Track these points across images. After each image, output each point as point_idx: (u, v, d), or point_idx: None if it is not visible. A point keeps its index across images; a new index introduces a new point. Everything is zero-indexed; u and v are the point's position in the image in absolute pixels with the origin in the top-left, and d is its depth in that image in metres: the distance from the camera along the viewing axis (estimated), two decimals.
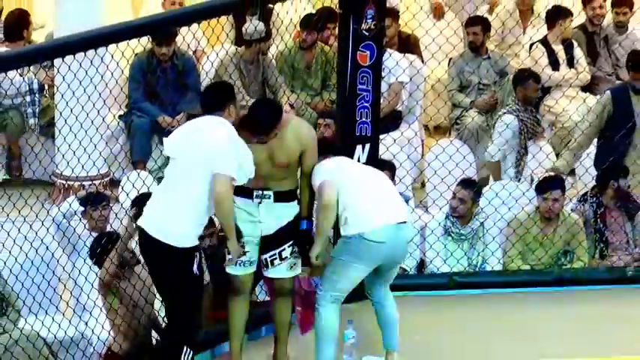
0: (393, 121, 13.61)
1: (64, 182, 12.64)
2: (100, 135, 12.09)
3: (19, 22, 13.83)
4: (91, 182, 12.38)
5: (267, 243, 9.68)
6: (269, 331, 10.51)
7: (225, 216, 9.31)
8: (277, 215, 9.62)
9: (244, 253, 9.57)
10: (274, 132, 9.42)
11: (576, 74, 14.38)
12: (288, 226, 9.66)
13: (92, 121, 11.52)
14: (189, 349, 9.56)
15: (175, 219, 9.18)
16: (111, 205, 11.52)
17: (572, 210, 12.38)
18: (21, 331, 10.32)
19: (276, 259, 9.70)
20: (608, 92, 13.07)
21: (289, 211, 9.69)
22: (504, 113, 13.60)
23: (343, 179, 9.77)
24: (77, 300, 11.01)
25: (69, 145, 11.67)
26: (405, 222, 9.74)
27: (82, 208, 11.42)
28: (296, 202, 9.78)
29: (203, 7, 11.41)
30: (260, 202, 9.56)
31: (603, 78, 14.55)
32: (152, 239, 9.28)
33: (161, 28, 12.73)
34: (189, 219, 9.20)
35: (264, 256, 9.73)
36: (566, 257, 12.04)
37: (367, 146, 11.17)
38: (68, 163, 12.29)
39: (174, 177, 9.27)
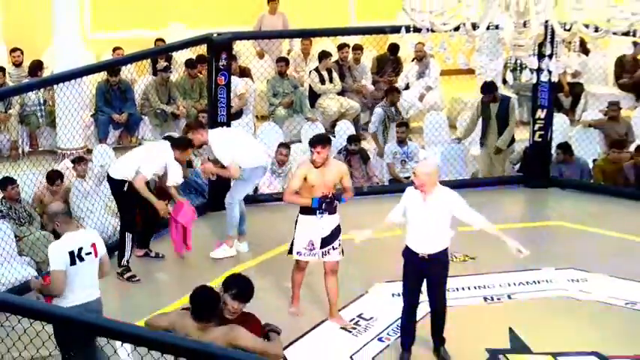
0: (238, 114, 13.48)
1: (62, 151, 12.42)
2: (80, 125, 12.05)
3: (37, 66, 13.56)
4: (76, 151, 12.22)
5: (325, 241, 8.61)
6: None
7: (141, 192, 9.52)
8: (331, 224, 8.61)
9: (313, 248, 8.64)
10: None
11: (334, 87, 14.28)
12: (336, 229, 8.65)
13: (75, 118, 11.50)
14: (129, 234, 9.66)
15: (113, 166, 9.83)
16: (88, 163, 11.36)
17: (334, 157, 12.35)
18: (40, 232, 10.22)
19: (331, 249, 8.62)
20: (479, 100, 12.75)
21: (336, 220, 8.65)
22: (378, 107, 13.48)
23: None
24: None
25: (63, 132, 11.67)
26: None
27: (72, 165, 11.22)
28: (337, 214, 8.69)
29: (134, 55, 11.43)
30: (322, 217, 8.55)
31: (348, 88, 14.46)
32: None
33: (112, 67, 12.76)
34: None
35: (324, 250, 8.65)
36: None
37: (224, 127, 11.21)
38: (63, 141, 12.25)
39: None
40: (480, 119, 12.74)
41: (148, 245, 10.18)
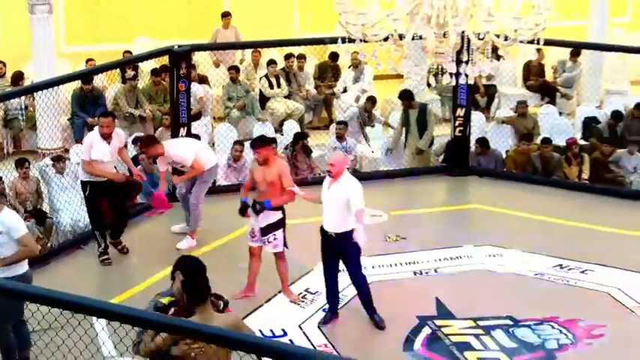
0: (197, 116, 13.41)
1: (42, 151, 12.26)
2: (58, 128, 11.92)
3: (18, 76, 13.46)
4: (55, 151, 12.08)
5: (262, 232, 8.52)
6: None
7: (94, 173, 9.28)
8: (264, 219, 8.49)
9: (255, 235, 8.58)
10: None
11: (281, 91, 14.28)
12: (270, 226, 8.50)
13: (53, 122, 11.36)
14: (97, 232, 9.55)
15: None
16: (66, 162, 11.25)
17: (281, 152, 12.22)
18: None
19: (266, 242, 8.53)
20: (402, 109, 12.64)
21: (270, 217, 8.49)
22: (355, 107, 13.70)
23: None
24: (49, 206, 10.83)
25: (43, 134, 11.52)
26: None
27: (52, 162, 11.10)
28: (280, 212, 8.52)
29: (105, 65, 11.30)
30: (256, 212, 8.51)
31: (294, 92, 14.47)
32: None
33: (85, 76, 12.62)
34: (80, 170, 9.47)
35: (264, 238, 8.54)
36: None
37: (185, 128, 11.18)
38: (43, 142, 12.09)
39: None
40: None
41: (119, 237, 10.00)
